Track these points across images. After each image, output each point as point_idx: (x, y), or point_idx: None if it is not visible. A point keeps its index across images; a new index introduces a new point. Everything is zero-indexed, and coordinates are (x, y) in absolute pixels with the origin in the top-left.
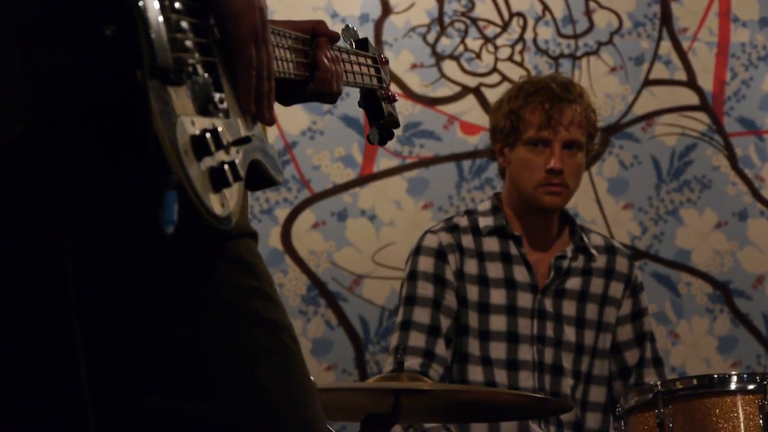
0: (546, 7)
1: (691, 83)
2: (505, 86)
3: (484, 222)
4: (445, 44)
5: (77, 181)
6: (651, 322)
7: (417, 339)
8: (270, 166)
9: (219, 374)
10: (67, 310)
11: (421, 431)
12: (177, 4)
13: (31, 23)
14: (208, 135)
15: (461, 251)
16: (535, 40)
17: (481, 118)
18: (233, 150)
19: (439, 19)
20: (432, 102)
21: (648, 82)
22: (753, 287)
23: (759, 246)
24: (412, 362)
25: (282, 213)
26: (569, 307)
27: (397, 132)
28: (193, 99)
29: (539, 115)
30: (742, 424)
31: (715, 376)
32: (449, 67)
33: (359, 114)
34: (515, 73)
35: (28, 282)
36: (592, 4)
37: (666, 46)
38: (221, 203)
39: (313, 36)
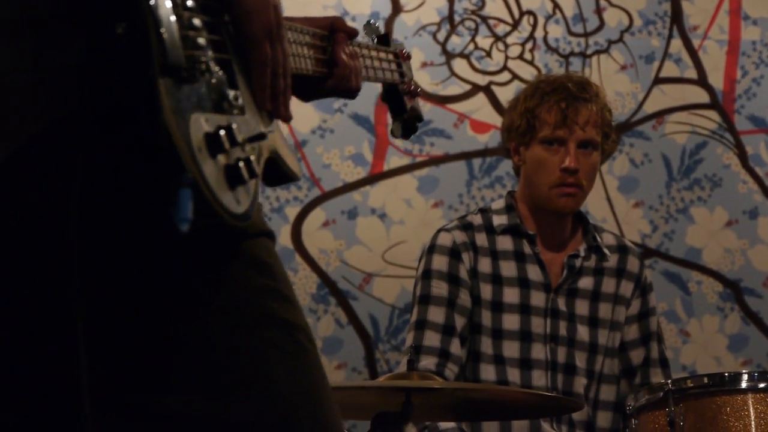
0: (556, 6)
1: (702, 81)
2: (516, 84)
3: (498, 220)
4: (456, 42)
5: (89, 179)
6: (658, 323)
7: (432, 338)
8: (288, 161)
9: (234, 374)
10: (70, 309)
11: (435, 431)
12: (190, 2)
13: (41, 21)
14: (222, 132)
15: (475, 249)
16: (545, 39)
17: (492, 117)
18: (248, 147)
19: (450, 18)
20: (442, 100)
21: (658, 81)
22: (764, 285)
23: None
24: (428, 362)
25: (292, 211)
26: (582, 307)
27: None
28: (207, 96)
29: (555, 114)
30: (753, 423)
31: (726, 374)
32: (459, 65)
33: (369, 112)
34: (526, 72)
35: (34, 281)
36: (602, 3)
37: (676, 44)
38: (237, 201)
39: (331, 32)
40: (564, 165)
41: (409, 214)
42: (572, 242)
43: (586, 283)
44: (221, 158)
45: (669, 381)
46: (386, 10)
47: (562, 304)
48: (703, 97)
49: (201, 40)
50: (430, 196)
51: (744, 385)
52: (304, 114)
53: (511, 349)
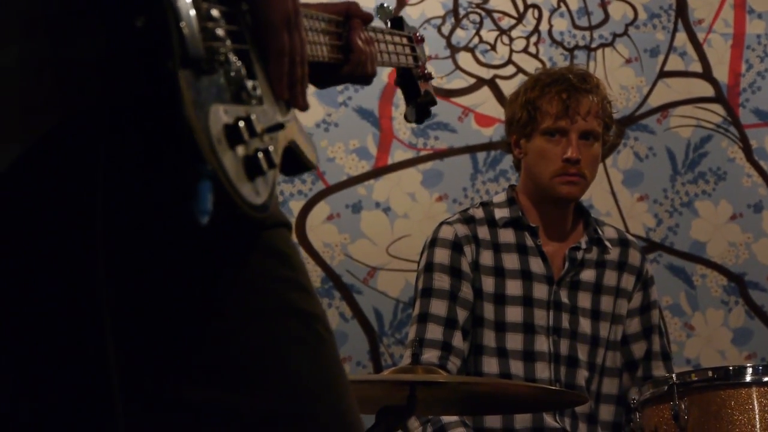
0: None
1: (707, 75)
2: (520, 78)
3: (500, 213)
4: (460, 36)
5: (109, 173)
6: (660, 316)
7: (434, 331)
8: (306, 150)
9: (253, 366)
10: (97, 303)
11: (438, 424)
12: None
13: (59, 14)
14: (241, 123)
15: (477, 242)
16: (550, 32)
17: (496, 110)
18: (267, 137)
19: (454, 11)
20: (447, 94)
21: (663, 74)
22: None
23: None
24: (430, 355)
25: (296, 205)
26: (584, 299)
27: (412, 124)
28: (226, 87)
29: (556, 105)
30: (757, 416)
31: (731, 368)
32: (464, 58)
33: (374, 106)
34: (530, 65)
35: (59, 274)
36: None
37: (681, 37)
38: (256, 192)
39: (346, 18)
40: (566, 155)
41: (413, 207)
42: (574, 235)
43: (588, 275)
44: (240, 149)
45: (673, 375)
46: (391, 2)
47: (564, 296)
48: (707, 90)
49: (219, 31)
50: (434, 189)
51: (748, 378)
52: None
53: (514, 341)
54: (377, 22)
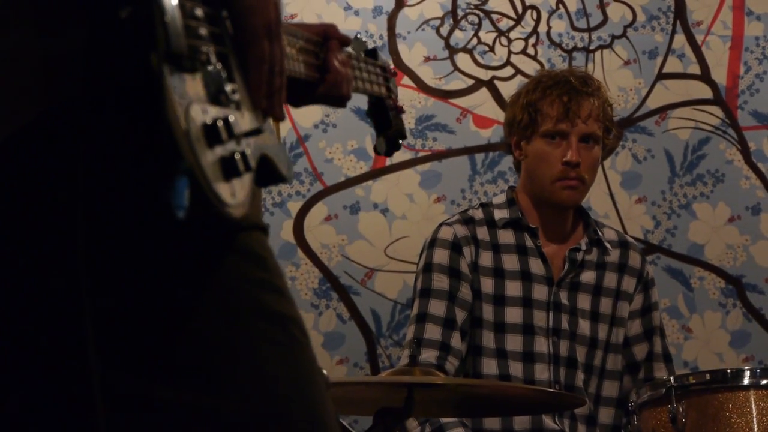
0: (560, 0)
1: (705, 77)
2: (519, 79)
3: (500, 214)
4: (459, 37)
5: (89, 165)
6: (661, 318)
7: (433, 332)
8: (279, 162)
9: (227, 367)
10: (78, 300)
11: (436, 425)
12: None
13: (43, 4)
14: (220, 124)
15: (476, 243)
16: (548, 33)
17: (494, 112)
18: (244, 141)
19: (453, 12)
20: (445, 95)
21: (661, 76)
22: (766, 281)
23: None
24: (428, 355)
25: (294, 206)
26: (584, 301)
27: (410, 125)
28: (206, 88)
29: (557, 108)
30: (755, 419)
31: (729, 371)
32: (462, 60)
33: None
34: (529, 67)
35: (38, 270)
36: None
37: (680, 39)
38: (232, 192)
39: (324, 39)
40: (566, 158)
41: (411, 209)
42: (574, 236)
43: (588, 277)
44: (218, 149)
45: (671, 377)
46: (389, 4)
47: (564, 297)
48: (706, 92)
49: (202, 31)
50: (432, 191)
51: (746, 381)
52: (306, 108)
53: (513, 342)
54: (350, 52)
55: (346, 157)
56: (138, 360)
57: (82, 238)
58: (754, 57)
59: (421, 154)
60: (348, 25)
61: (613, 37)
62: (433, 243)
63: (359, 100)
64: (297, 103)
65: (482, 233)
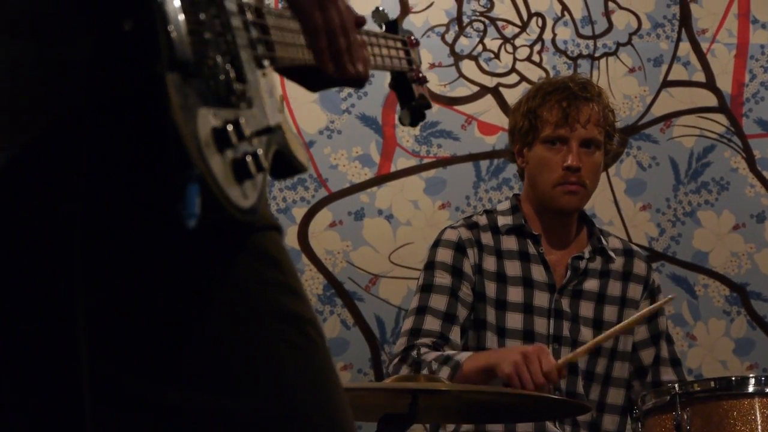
0: (565, 8)
1: (710, 85)
2: (524, 86)
3: (503, 221)
4: (464, 44)
5: (95, 175)
6: (667, 324)
7: (432, 323)
8: (295, 154)
9: (243, 368)
10: (71, 303)
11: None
12: None
13: (46, 15)
14: (229, 127)
15: (480, 247)
16: (553, 41)
17: (499, 118)
18: (256, 140)
19: (458, 19)
20: (450, 102)
21: (666, 84)
22: None
23: None
24: (425, 341)
25: (299, 212)
26: (587, 309)
27: (415, 131)
28: (215, 91)
29: (556, 113)
30: (759, 427)
31: (733, 378)
32: (467, 66)
33: (377, 113)
34: (534, 74)
35: (35, 276)
36: (611, 5)
37: (685, 47)
38: (244, 195)
39: None
40: (566, 164)
41: (416, 215)
42: (577, 244)
43: (591, 285)
44: (229, 153)
45: (676, 384)
46: (395, 10)
47: (565, 305)
48: (711, 100)
49: (208, 35)
50: (437, 197)
51: (751, 389)
52: (311, 114)
53: None
54: (373, 26)
55: (351, 164)
56: (145, 363)
57: (79, 242)
58: (759, 65)
59: (426, 160)
60: None
61: (618, 45)
62: (437, 243)
63: (364, 106)
64: (316, 88)
65: (486, 238)
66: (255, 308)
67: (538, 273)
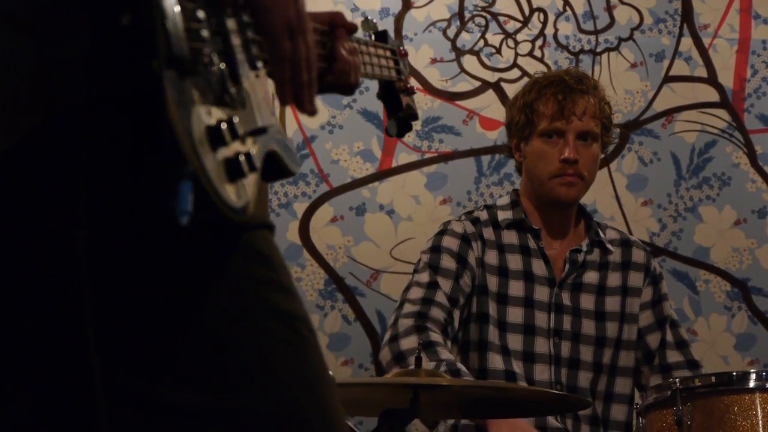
0: (567, 3)
1: (712, 80)
2: (525, 81)
3: (503, 215)
4: (465, 39)
5: (91, 172)
6: (672, 309)
7: (442, 299)
8: (286, 157)
9: (235, 366)
10: (80, 303)
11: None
12: None
13: (43, 10)
14: (223, 125)
15: (483, 241)
16: (555, 36)
17: (501, 114)
18: (249, 141)
19: (460, 14)
20: (451, 97)
21: (668, 79)
22: None
23: None
24: (438, 314)
25: (300, 207)
26: (587, 301)
27: (416, 127)
28: (209, 89)
29: (552, 106)
30: (760, 422)
31: (734, 373)
32: (469, 62)
33: (378, 108)
34: (535, 69)
35: (40, 275)
36: (613, 0)
37: (687, 42)
38: (237, 194)
39: (330, 28)
40: (563, 156)
41: (417, 210)
42: (576, 237)
43: (591, 277)
44: (222, 151)
45: (677, 380)
46: (396, 5)
47: (566, 298)
48: (712, 95)
49: (204, 33)
50: (438, 192)
51: (752, 384)
52: None
53: (514, 341)
54: (361, 35)
55: (353, 159)
56: (143, 362)
57: (83, 240)
58: (761, 60)
59: (428, 155)
60: None
61: (620, 40)
62: (443, 232)
63: (365, 102)
64: None
65: (488, 233)
66: (248, 306)
67: (538, 267)
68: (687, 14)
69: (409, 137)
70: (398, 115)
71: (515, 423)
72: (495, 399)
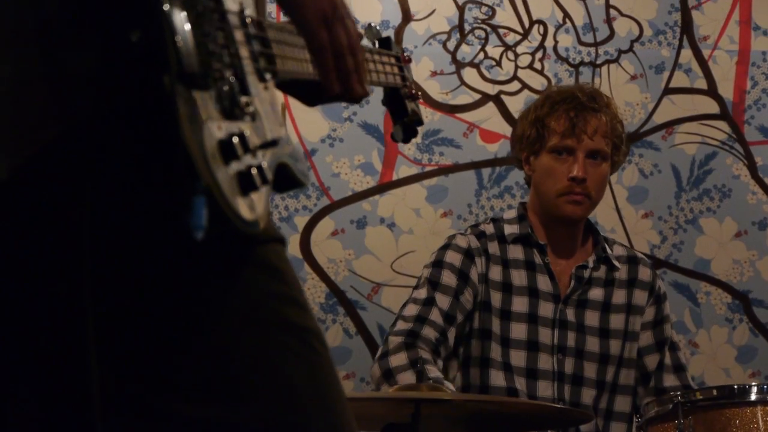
0: (566, 15)
1: (712, 92)
2: (526, 94)
3: (510, 230)
4: (465, 51)
5: (103, 187)
6: (673, 332)
7: (437, 317)
8: (296, 168)
9: (247, 379)
10: (81, 311)
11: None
12: (201, 7)
13: (52, 25)
14: (235, 139)
15: (487, 257)
16: (555, 48)
17: (501, 126)
18: (260, 153)
19: (460, 27)
20: (452, 109)
21: (668, 91)
22: None
23: None
24: (429, 333)
25: (301, 220)
26: (592, 318)
27: (417, 139)
28: (220, 103)
29: (563, 123)
30: None
31: (736, 386)
32: (469, 74)
33: (379, 121)
34: (535, 81)
35: (45, 284)
36: (612, 12)
37: (686, 54)
38: (250, 207)
39: None
40: (572, 174)
41: (418, 223)
42: (582, 253)
43: (596, 294)
44: (234, 165)
45: (678, 393)
46: (396, 18)
47: (571, 315)
48: (713, 107)
49: (213, 47)
50: (439, 205)
51: (753, 397)
52: (313, 123)
53: (517, 358)
54: (365, 43)
55: (353, 172)
56: (154, 375)
57: (89, 253)
58: (761, 72)
59: (428, 168)
60: None
61: (620, 52)
62: (447, 246)
63: (366, 114)
64: (312, 103)
65: (493, 248)
66: (260, 320)
67: (543, 283)
68: (687, 26)
69: (410, 150)
70: (404, 121)
71: None
72: (497, 413)
